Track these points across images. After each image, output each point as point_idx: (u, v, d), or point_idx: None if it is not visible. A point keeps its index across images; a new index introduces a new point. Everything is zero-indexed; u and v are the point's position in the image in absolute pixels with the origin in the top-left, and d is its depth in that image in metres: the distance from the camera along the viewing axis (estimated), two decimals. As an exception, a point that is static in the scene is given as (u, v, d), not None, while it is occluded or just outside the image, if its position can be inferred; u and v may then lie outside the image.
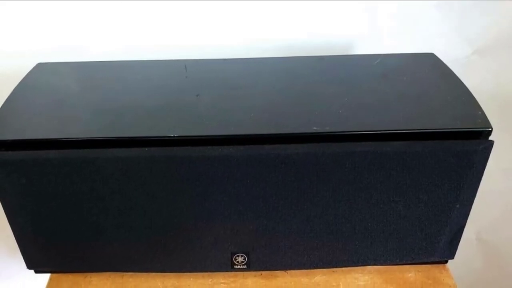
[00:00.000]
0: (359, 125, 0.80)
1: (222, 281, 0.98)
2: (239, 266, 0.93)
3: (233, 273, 0.98)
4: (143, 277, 0.98)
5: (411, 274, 0.99)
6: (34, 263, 0.94)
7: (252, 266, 0.93)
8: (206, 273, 0.98)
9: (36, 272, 0.97)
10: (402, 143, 0.78)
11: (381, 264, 0.97)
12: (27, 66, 0.99)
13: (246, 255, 0.92)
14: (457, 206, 0.86)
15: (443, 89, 0.90)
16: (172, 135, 0.78)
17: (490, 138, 0.80)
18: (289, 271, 0.99)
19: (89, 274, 0.99)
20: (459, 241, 0.92)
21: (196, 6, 1.07)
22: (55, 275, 0.99)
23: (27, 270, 0.95)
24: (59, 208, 0.84)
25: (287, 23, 1.11)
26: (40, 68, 1.00)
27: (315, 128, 0.79)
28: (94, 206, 0.83)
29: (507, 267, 1.54)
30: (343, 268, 0.99)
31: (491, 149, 0.80)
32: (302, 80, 0.96)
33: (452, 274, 0.99)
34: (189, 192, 0.82)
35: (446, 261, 1.00)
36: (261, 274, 0.99)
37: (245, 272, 0.99)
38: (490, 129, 0.79)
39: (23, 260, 0.93)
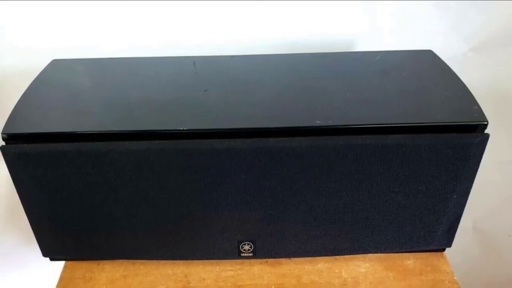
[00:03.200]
0: (360, 119, 0.80)
1: (229, 268, 0.98)
2: (245, 254, 0.94)
3: (240, 260, 0.99)
4: (154, 265, 0.98)
5: (410, 261, 0.99)
6: (50, 251, 0.94)
7: (258, 254, 0.94)
8: (214, 261, 0.99)
9: (52, 259, 0.98)
10: (402, 136, 0.78)
11: (382, 252, 0.97)
12: (42, 63, 0.99)
13: (252, 243, 0.92)
14: (454, 196, 0.86)
15: (441, 85, 0.90)
16: (181, 129, 0.78)
17: (486, 131, 0.80)
18: (293, 259, 0.99)
19: (102, 262, 0.99)
20: (456, 230, 0.93)
21: (205, 6, 1.07)
22: (69, 262, 1.00)
23: (43, 257, 0.95)
24: (74, 198, 0.84)
25: (292, 22, 1.11)
26: (55, 65, 1.00)
27: (318, 122, 0.79)
28: (107, 196, 0.84)
29: (502, 254, 1.54)
30: (345, 256, 0.99)
31: (486, 142, 0.80)
32: (306, 76, 0.96)
33: (449, 261, 0.99)
34: (197, 183, 0.82)
35: (444, 249, 1.00)
36: (267, 262, 0.99)
37: (251, 260, 0.99)
38: (486, 123, 0.79)
39: (39, 248, 0.93)
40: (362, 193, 0.85)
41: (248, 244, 0.92)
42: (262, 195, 0.84)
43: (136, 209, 0.86)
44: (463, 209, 0.89)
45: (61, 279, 0.97)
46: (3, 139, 0.78)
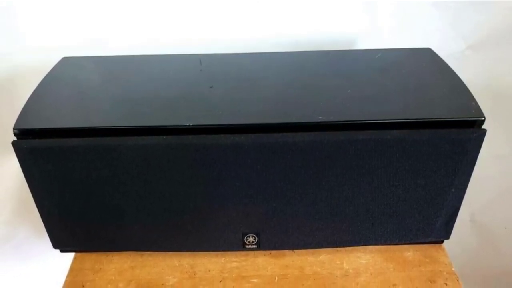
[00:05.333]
0: (361, 115, 0.80)
1: (234, 259, 0.98)
2: (250, 246, 0.94)
3: (244, 252, 0.99)
4: (161, 256, 0.99)
5: (410, 253, 0.99)
6: (60, 243, 0.95)
7: (262, 245, 0.94)
8: (219, 252, 0.99)
9: (62, 251, 0.98)
10: (402, 131, 0.78)
11: (382, 244, 0.97)
12: (53, 60, 0.99)
13: (257, 236, 0.92)
14: (452, 190, 0.86)
15: (440, 82, 0.90)
16: (187, 124, 0.78)
17: (483, 127, 0.80)
18: (296, 251, 0.99)
19: (110, 253, 1.00)
20: (454, 222, 0.93)
21: (210, 5, 1.07)
22: (79, 254, 1.00)
23: (53, 249, 0.95)
24: (83, 192, 0.84)
25: (295, 21, 1.11)
26: (65, 62, 1.00)
27: (320, 117, 0.79)
28: (116, 190, 0.84)
29: (499, 246, 1.54)
30: (347, 248, 0.99)
31: (484, 137, 0.80)
32: (308, 73, 0.96)
33: (447, 253, 0.99)
34: (203, 177, 0.82)
35: (442, 241, 1.00)
36: (270, 253, 0.99)
37: (255, 252, 0.99)
38: (483, 118, 0.79)
39: (49, 240, 0.93)
40: (363, 186, 0.85)
41: (252, 236, 0.92)
42: (266, 188, 0.84)
43: (143, 202, 0.86)
44: (461, 202, 0.89)
45: (71, 270, 0.97)
46: (15, 134, 0.78)
